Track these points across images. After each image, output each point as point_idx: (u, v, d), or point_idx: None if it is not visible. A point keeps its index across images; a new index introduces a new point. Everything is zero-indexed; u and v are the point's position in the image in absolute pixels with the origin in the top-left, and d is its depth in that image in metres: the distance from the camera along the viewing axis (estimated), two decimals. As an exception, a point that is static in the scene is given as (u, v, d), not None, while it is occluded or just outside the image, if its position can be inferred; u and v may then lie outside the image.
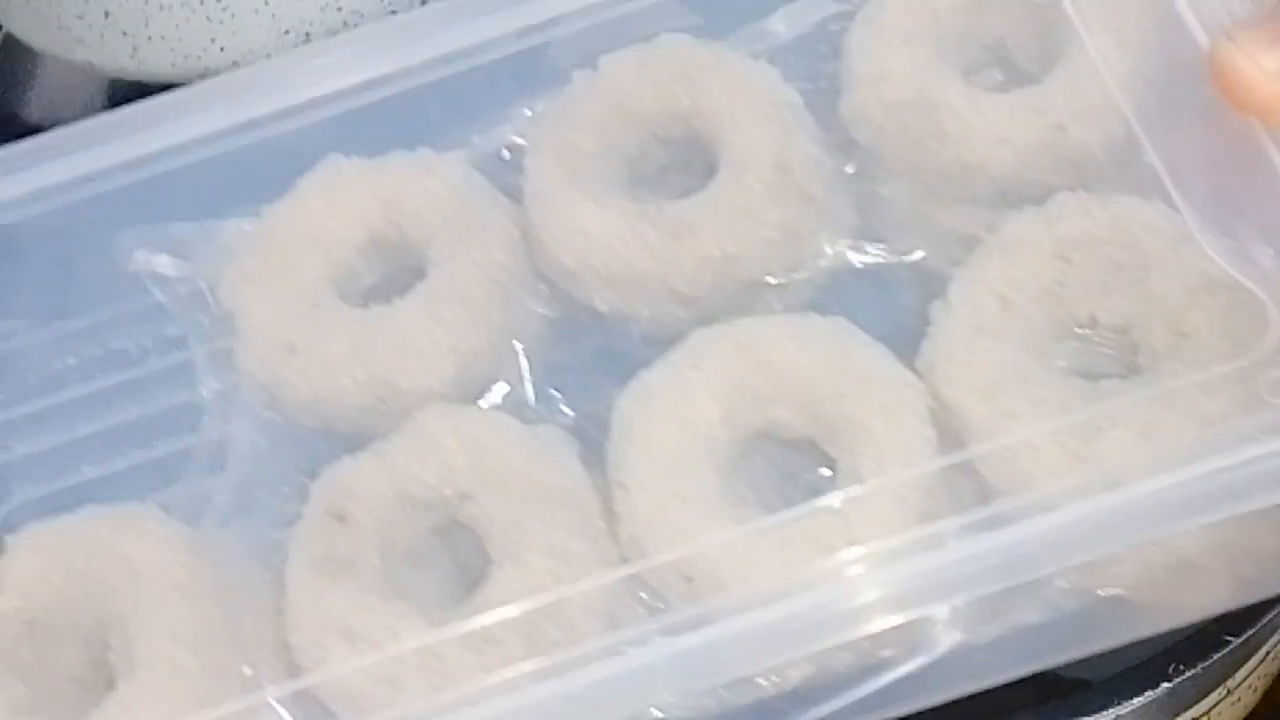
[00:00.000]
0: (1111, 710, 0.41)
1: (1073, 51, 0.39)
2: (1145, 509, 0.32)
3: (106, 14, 0.49)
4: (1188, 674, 0.41)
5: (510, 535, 0.36)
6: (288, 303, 0.41)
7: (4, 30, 0.55)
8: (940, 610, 0.34)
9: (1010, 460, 0.34)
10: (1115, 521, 0.32)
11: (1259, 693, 0.47)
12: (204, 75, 0.48)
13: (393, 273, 0.43)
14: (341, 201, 0.42)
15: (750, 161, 0.40)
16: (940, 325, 0.37)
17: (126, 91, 0.49)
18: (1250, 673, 0.45)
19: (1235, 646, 0.42)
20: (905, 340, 0.38)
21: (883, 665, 0.35)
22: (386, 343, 0.40)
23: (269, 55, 0.48)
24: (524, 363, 0.41)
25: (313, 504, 0.38)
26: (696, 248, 0.39)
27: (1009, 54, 0.42)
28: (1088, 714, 0.41)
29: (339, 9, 0.48)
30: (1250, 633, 0.42)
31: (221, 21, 0.48)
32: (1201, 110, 0.36)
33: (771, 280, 0.40)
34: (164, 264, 0.44)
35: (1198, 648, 0.42)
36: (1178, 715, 0.43)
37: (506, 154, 0.44)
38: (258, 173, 0.44)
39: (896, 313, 0.40)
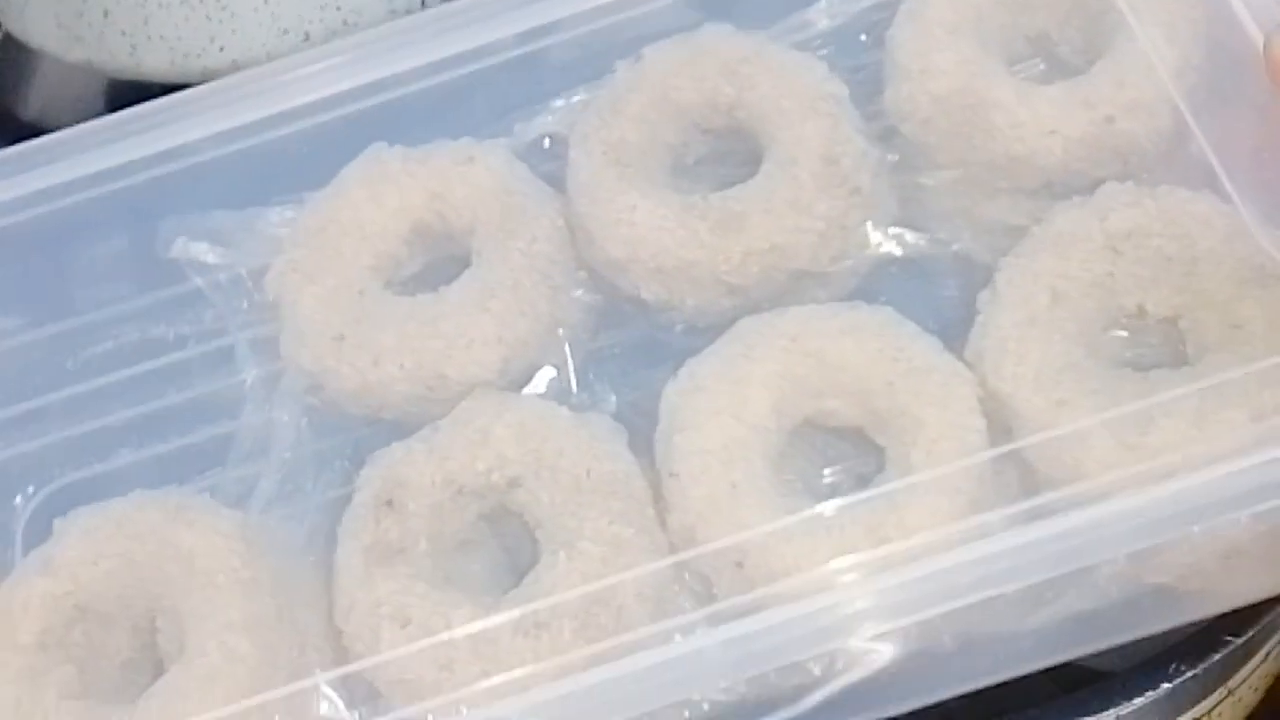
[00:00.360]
0: (1112, 710, 0.41)
1: (1120, 43, 0.39)
2: (1196, 500, 0.33)
3: (105, 13, 0.49)
4: (1189, 674, 0.41)
5: (561, 523, 0.36)
6: (335, 293, 0.41)
7: (3, 29, 0.55)
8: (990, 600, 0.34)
9: (1062, 450, 0.35)
10: (1166, 512, 0.33)
11: (1260, 693, 0.46)
12: (203, 75, 0.48)
13: (437, 261, 0.43)
14: (385, 191, 0.42)
15: (798, 154, 0.40)
16: (989, 316, 0.37)
17: (125, 91, 0.49)
18: (1251, 673, 0.44)
19: (1236, 647, 0.42)
20: (948, 329, 0.38)
21: (929, 651, 0.36)
22: (435, 332, 0.40)
23: (268, 55, 0.48)
24: (568, 351, 0.41)
25: (362, 491, 0.38)
26: (745, 239, 0.39)
27: (1053, 46, 0.42)
28: (1088, 714, 0.41)
29: (338, 8, 0.48)
30: (1251, 633, 0.42)
31: (220, 21, 0.48)
32: (1252, 103, 0.36)
33: (816, 270, 0.40)
34: (204, 251, 0.45)
35: (1199, 648, 0.42)
36: (1179, 715, 0.43)
37: (547, 143, 0.44)
38: (299, 163, 0.44)
39: (939, 302, 0.40)
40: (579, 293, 0.42)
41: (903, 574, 0.33)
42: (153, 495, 0.39)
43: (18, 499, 0.43)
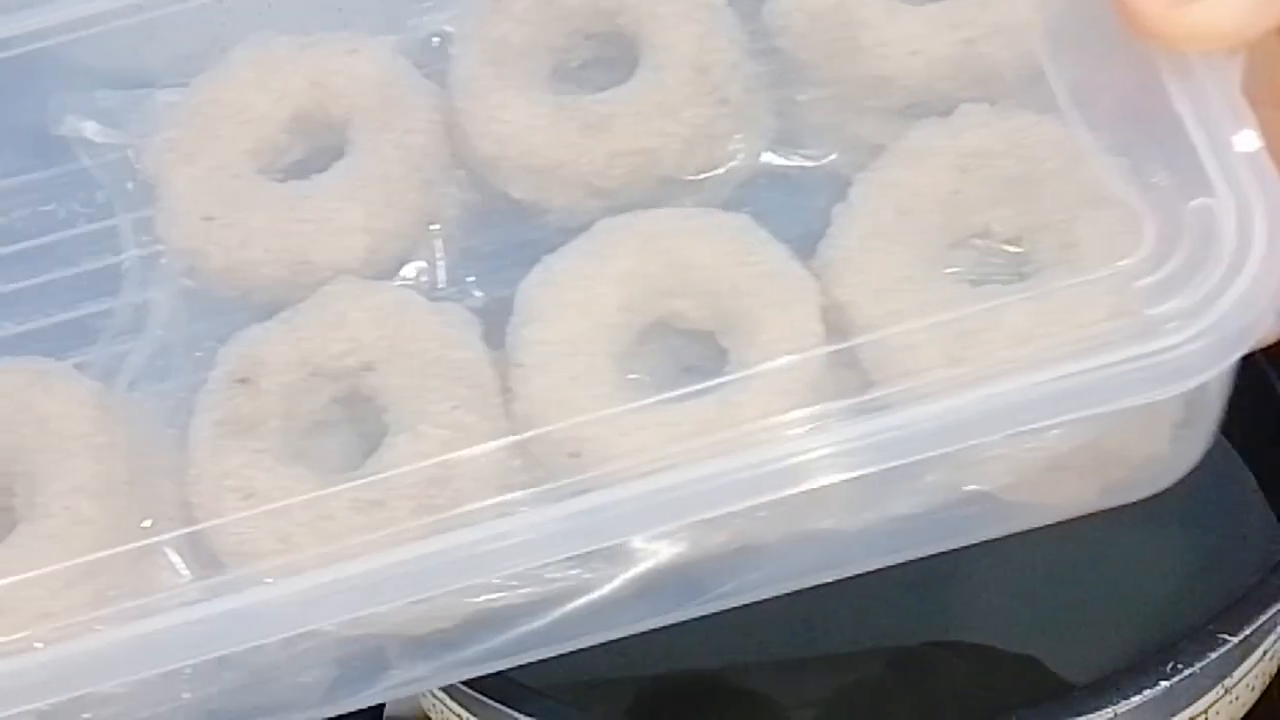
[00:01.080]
0: (1109, 709, 0.42)
1: (991, -30, 0.40)
2: (1016, 402, 0.34)
3: None
4: (1185, 673, 0.42)
5: (408, 406, 0.37)
6: (209, 174, 0.42)
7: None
8: (815, 496, 0.35)
9: (892, 359, 0.36)
10: (987, 413, 0.34)
11: (1257, 691, 0.47)
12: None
13: (316, 151, 0.44)
14: (268, 77, 0.43)
15: (669, 60, 0.41)
16: (838, 227, 0.38)
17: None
18: (1248, 672, 0.45)
19: (1233, 646, 0.43)
20: (812, 242, 0.39)
21: (762, 549, 0.37)
22: (302, 217, 0.40)
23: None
24: (438, 246, 0.42)
25: (219, 368, 0.39)
26: (611, 141, 0.40)
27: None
28: (1086, 713, 0.42)
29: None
30: (1248, 632, 0.43)
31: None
32: (1107, 36, 0.37)
33: (686, 178, 0.41)
34: (92, 130, 0.45)
35: (1196, 647, 0.42)
36: (1175, 714, 0.44)
37: (436, 41, 0.45)
38: (189, 45, 0.45)
39: (807, 216, 0.40)
40: (454, 190, 0.43)
41: (726, 463, 0.34)
42: (12, 361, 0.40)
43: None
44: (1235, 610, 0.43)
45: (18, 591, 0.35)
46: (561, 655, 0.51)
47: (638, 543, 0.36)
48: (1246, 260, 0.33)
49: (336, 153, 0.43)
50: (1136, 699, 0.42)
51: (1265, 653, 0.46)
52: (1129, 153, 0.37)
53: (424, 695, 0.49)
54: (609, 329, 0.38)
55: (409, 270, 0.42)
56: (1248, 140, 0.34)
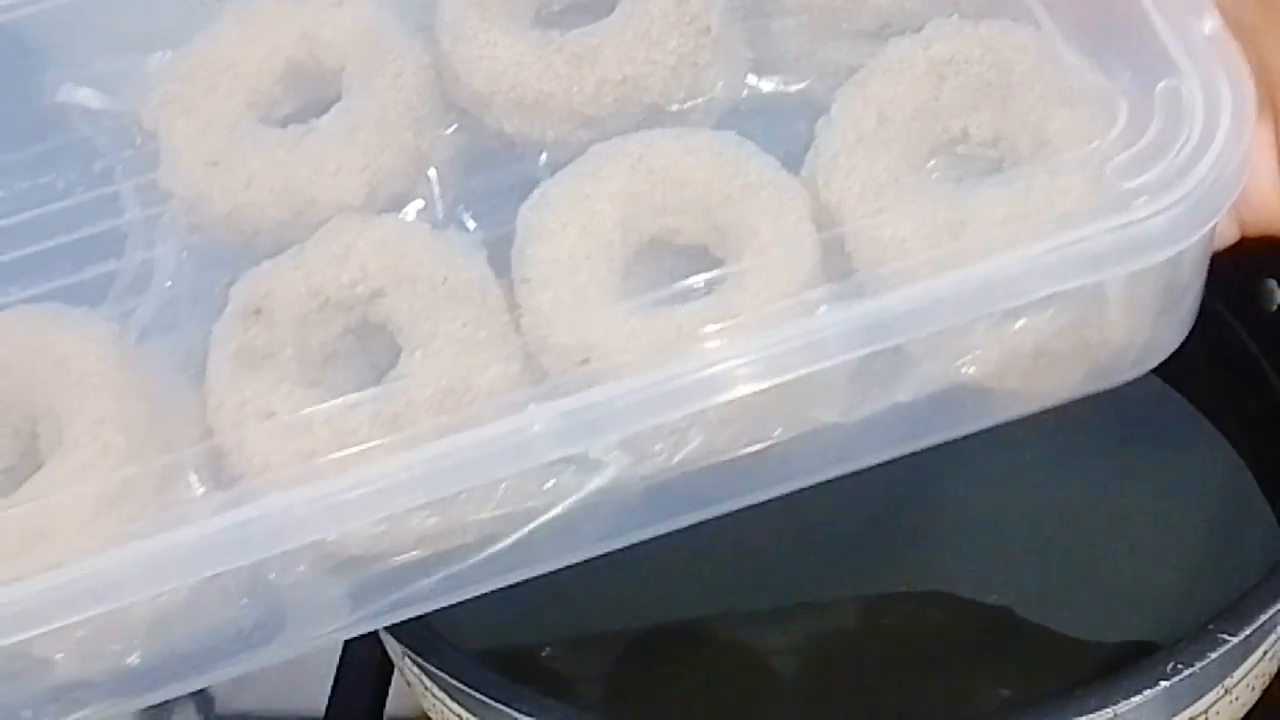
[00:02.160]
0: (1110, 709, 0.42)
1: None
2: (1001, 279, 0.35)
3: None
4: (1186, 673, 0.42)
5: (419, 327, 0.39)
6: (209, 123, 0.43)
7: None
8: (818, 387, 0.37)
9: (881, 252, 0.37)
10: (974, 291, 0.35)
11: (1257, 692, 0.47)
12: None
13: (310, 104, 0.45)
14: (259, 31, 0.44)
15: (650, -7, 0.42)
16: (822, 139, 0.40)
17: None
18: (1248, 672, 0.46)
19: (1233, 646, 0.43)
20: (795, 166, 0.40)
21: (769, 445, 0.38)
22: (303, 159, 0.42)
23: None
24: (435, 186, 0.43)
25: (231, 303, 0.40)
26: (598, 71, 0.42)
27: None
28: (1086, 713, 0.42)
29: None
30: (1248, 632, 0.43)
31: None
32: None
33: (672, 108, 0.43)
34: (89, 97, 0.46)
35: (1196, 647, 0.42)
36: (1176, 714, 0.44)
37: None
38: (180, 11, 0.46)
39: (789, 140, 0.42)
40: (448, 132, 0.44)
41: (730, 350, 0.36)
42: (26, 306, 0.41)
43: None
44: (1235, 610, 0.43)
45: (52, 518, 0.36)
46: (553, 609, 0.52)
47: (648, 441, 0.37)
48: (1215, 133, 0.35)
49: (330, 105, 0.44)
50: (1136, 699, 0.42)
51: (1265, 653, 0.46)
52: (1097, 48, 0.39)
53: (424, 695, 0.50)
54: (608, 245, 0.39)
55: (408, 210, 0.43)
56: (1208, 23, 0.36)
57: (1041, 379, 0.39)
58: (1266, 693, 0.48)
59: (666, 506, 0.39)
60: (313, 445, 0.37)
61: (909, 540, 0.54)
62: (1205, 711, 0.45)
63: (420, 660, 0.47)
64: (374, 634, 0.52)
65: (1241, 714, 0.47)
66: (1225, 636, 0.43)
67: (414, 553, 0.39)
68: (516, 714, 0.45)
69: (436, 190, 0.43)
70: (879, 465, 0.55)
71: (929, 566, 0.53)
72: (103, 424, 0.38)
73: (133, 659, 0.38)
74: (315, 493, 0.36)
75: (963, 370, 0.38)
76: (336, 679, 0.59)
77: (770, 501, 0.53)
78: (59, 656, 0.38)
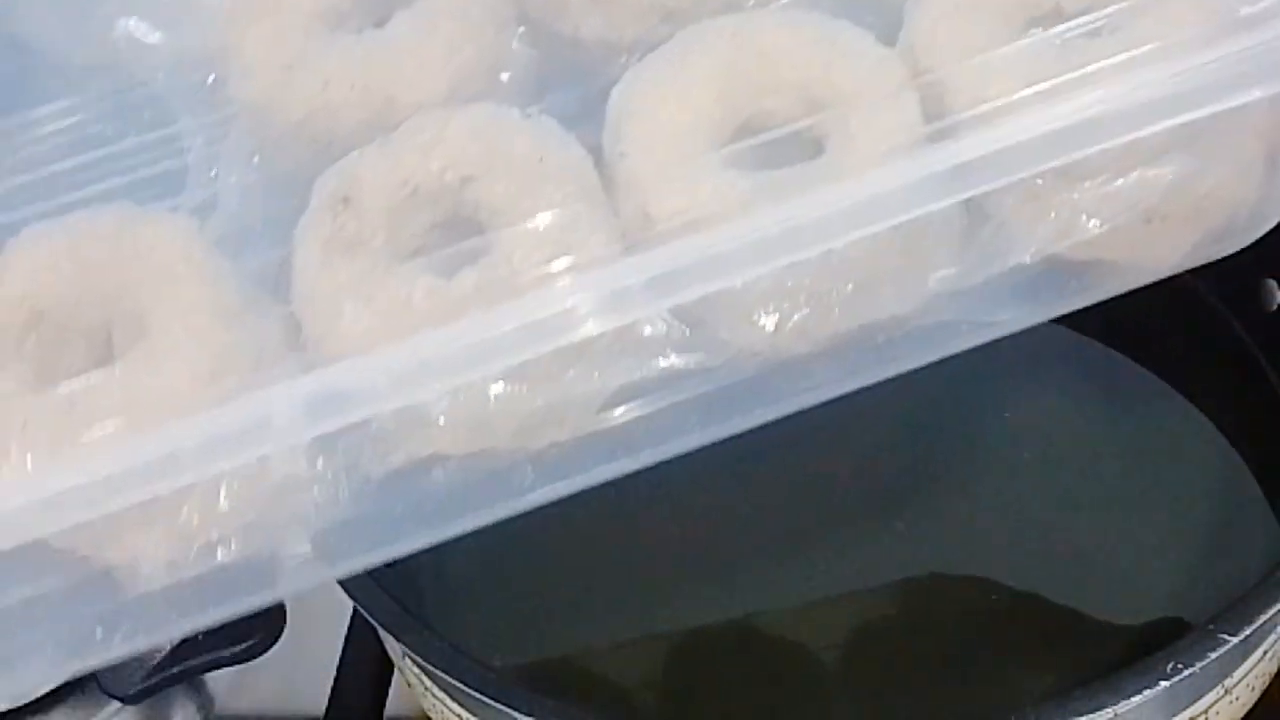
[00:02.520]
0: (1110, 709, 0.42)
1: None
2: (1119, 109, 0.34)
3: None
4: (1186, 673, 0.42)
5: (516, 207, 0.37)
6: (279, 31, 0.42)
7: None
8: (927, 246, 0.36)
9: (985, 114, 0.36)
10: (1091, 121, 0.35)
11: (1257, 692, 0.47)
12: None
13: (380, 19, 0.43)
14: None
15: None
16: (915, 13, 0.39)
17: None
18: (1248, 672, 0.45)
19: (1233, 646, 0.42)
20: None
21: (877, 324, 0.38)
22: (382, 58, 0.41)
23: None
24: (512, 91, 0.42)
25: (316, 197, 0.39)
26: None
27: None
28: (1086, 713, 0.42)
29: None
30: (1248, 632, 0.43)
31: None
32: None
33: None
34: (146, 32, 0.45)
35: (1196, 647, 0.42)
36: (1175, 714, 0.44)
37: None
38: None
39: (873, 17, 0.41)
40: (523, 40, 0.43)
41: (840, 197, 0.35)
42: (106, 206, 0.40)
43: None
44: (1235, 610, 0.43)
45: (147, 398, 0.36)
46: (554, 609, 0.52)
47: (756, 306, 0.37)
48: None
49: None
50: (1136, 699, 0.42)
51: (1265, 653, 0.46)
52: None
53: (424, 695, 0.49)
54: (706, 120, 0.38)
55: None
56: None
57: (1153, 245, 0.38)
58: (1266, 693, 0.48)
59: (772, 390, 0.38)
60: (413, 322, 0.36)
61: (908, 543, 0.54)
62: (1205, 711, 0.45)
63: (420, 660, 0.46)
64: (374, 634, 0.52)
65: (1241, 714, 0.47)
66: (1225, 636, 0.42)
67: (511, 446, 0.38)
68: (516, 714, 0.44)
69: (514, 97, 0.42)
70: (877, 467, 0.56)
71: (929, 567, 0.53)
72: (193, 310, 0.37)
73: (221, 554, 0.37)
74: (412, 355, 0.35)
75: (1072, 237, 0.38)
76: (336, 679, 0.58)
77: (765, 502, 0.52)
78: (143, 560, 0.37)
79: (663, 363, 0.38)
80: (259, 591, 0.39)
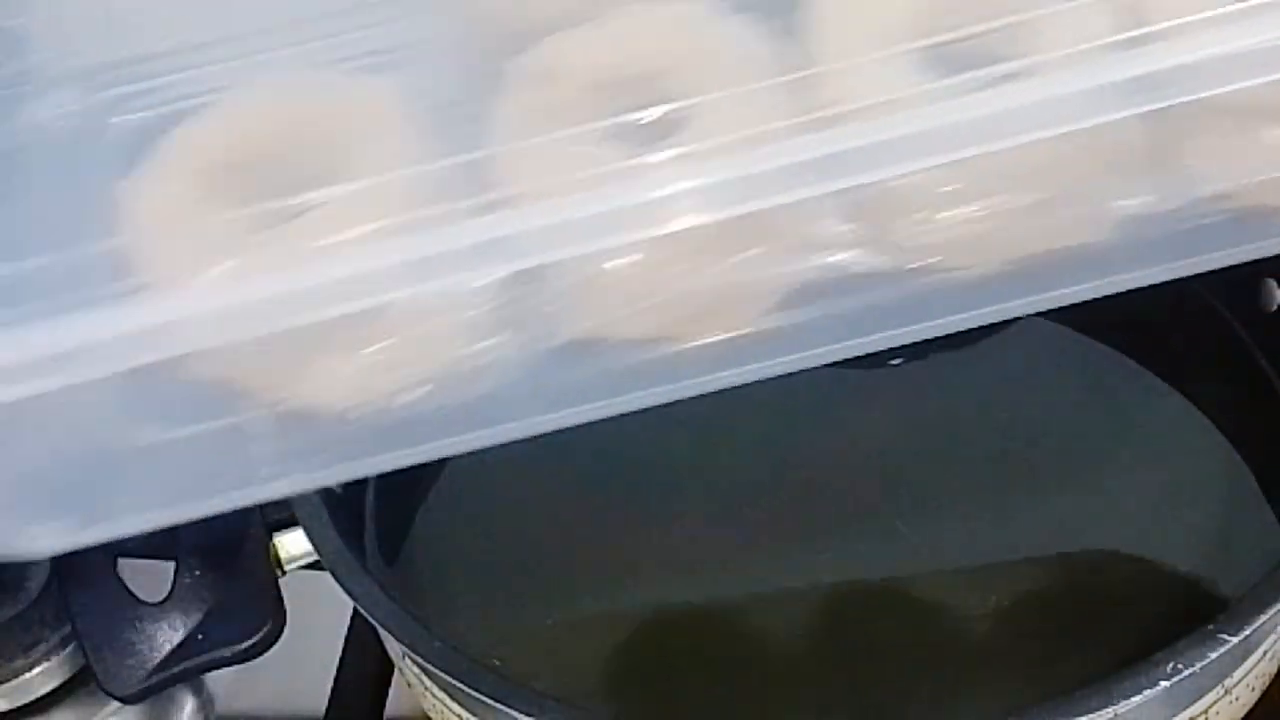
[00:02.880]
0: (1110, 709, 0.41)
1: None
2: None
3: None
4: (1186, 673, 0.42)
5: (708, 98, 0.38)
6: None
7: None
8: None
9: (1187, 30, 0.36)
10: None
11: (1257, 692, 0.47)
12: None
13: None
14: None
15: None
16: None
17: None
18: (1248, 672, 0.45)
19: (1233, 646, 0.42)
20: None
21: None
22: None
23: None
24: None
25: (516, 75, 0.40)
26: None
27: None
28: (1086, 713, 0.42)
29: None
30: (1248, 632, 0.42)
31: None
32: None
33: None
34: None
35: (1196, 647, 0.42)
36: (1176, 714, 0.44)
37: None
38: None
39: None
40: None
41: (1029, 93, 0.35)
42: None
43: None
44: (1235, 610, 0.43)
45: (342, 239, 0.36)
46: (554, 609, 0.52)
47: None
48: None
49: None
50: (1136, 699, 0.41)
51: (1265, 653, 0.46)
52: None
53: (424, 695, 0.49)
54: (900, 19, 0.39)
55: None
56: None
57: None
58: (1266, 693, 0.48)
59: (940, 305, 0.39)
60: (604, 188, 0.36)
61: (908, 542, 0.54)
62: (1205, 711, 0.45)
63: (420, 660, 0.46)
64: (374, 634, 0.52)
65: (1241, 714, 0.47)
66: (1225, 636, 0.42)
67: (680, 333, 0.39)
68: (516, 714, 0.44)
69: None
70: (876, 467, 0.56)
71: (928, 566, 0.53)
72: (393, 156, 0.38)
73: (405, 396, 0.38)
74: (601, 207, 0.36)
75: (1254, 181, 0.38)
76: (336, 679, 0.58)
77: (761, 499, 0.53)
78: (335, 396, 0.38)
79: (837, 258, 0.38)
80: (450, 435, 0.39)
